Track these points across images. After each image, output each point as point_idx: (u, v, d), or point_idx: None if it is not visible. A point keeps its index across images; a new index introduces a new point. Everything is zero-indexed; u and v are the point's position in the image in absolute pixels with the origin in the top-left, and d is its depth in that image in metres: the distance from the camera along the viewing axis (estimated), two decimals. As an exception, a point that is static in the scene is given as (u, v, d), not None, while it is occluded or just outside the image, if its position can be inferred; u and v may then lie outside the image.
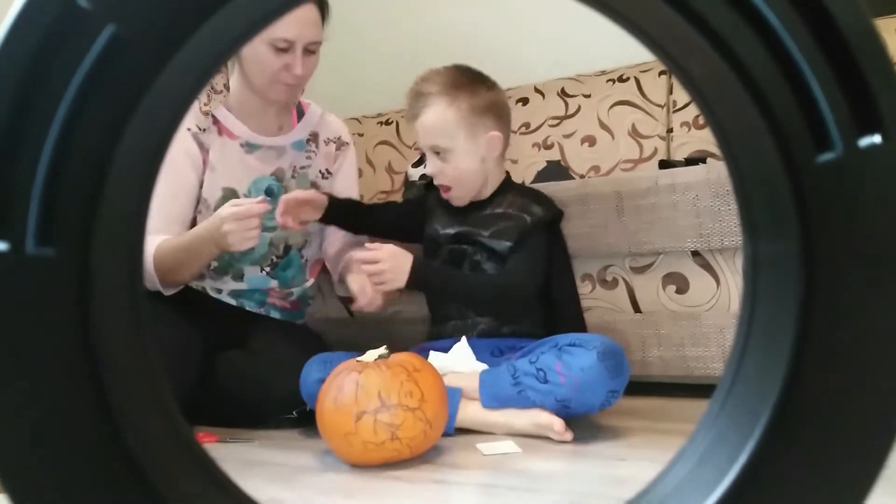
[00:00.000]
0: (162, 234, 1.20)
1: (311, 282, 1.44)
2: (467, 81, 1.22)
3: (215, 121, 1.30)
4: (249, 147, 1.33)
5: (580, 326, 1.27)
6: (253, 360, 1.21)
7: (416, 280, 1.17)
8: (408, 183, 2.08)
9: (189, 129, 1.27)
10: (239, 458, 1.00)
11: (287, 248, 1.38)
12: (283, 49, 1.19)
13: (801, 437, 0.32)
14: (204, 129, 1.29)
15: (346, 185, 1.45)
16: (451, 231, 1.28)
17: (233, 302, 1.34)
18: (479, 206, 1.28)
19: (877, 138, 0.29)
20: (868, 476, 0.31)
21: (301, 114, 1.40)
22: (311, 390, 1.07)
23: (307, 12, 1.19)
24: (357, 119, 2.41)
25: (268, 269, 1.36)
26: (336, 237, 1.43)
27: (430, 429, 0.93)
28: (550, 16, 2.18)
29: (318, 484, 0.88)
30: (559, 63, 2.15)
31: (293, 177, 1.38)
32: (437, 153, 1.24)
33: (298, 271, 1.40)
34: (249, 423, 1.19)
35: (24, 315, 0.29)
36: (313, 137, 1.41)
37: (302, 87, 1.30)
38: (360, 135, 2.35)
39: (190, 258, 1.17)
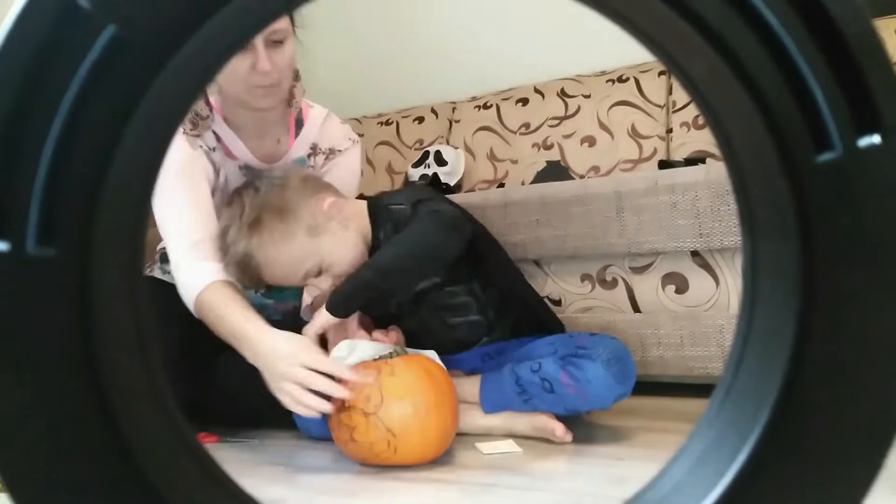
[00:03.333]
0: (205, 241, 1.09)
1: None
2: (253, 206, 1.04)
3: (219, 139, 1.19)
4: (248, 170, 1.22)
5: (546, 314, 1.23)
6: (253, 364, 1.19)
7: (338, 304, 0.99)
8: (408, 183, 2.08)
9: (202, 146, 1.17)
10: (240, 458, 1.00)
11: None
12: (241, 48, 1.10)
13: (799, 437, 0.32)
14: (213, 149, 1.19)
15: None
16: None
17: None
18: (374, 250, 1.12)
19: (876, 138, 0.29)
20: (867, 476, 0.31)
21: (300, 125, 1.26)
22: (305, 423, 1.07)
23: None
24: (357, 119, 2.41)
25: (262, 291, 1.30)
26: None
27: (394, 438, 0.87)
28: (550, 16, 2.18)
29: (318, 484, 0.88)
30: (559, 63, 2.15)
31: None
32: (316, 275, 1.07)
33: (296, 289, 1.32)
34: (250, 424, 1.19)
35: (25, 315, 0.29)
36: (314, 150, 1.27)
37: (285, 90, 1.16)
38: (361, 135, 2.35)
39: (222, 333, 1.03)
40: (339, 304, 0.99)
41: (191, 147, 1.15)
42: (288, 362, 0.91)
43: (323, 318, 0.99)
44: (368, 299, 1.01)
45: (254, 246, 1.03)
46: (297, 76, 1.16)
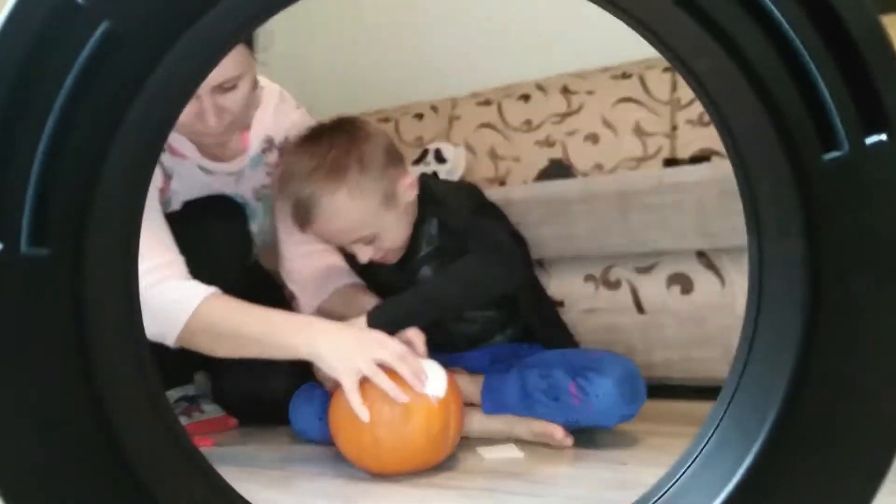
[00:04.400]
0: (177, 262, 0.97)
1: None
2: (341, 149, 0.96)
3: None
4: (204, 171, 1.10)
5: (559, 325, 1.22)
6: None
7: (380, 324, 0.95)
8: (426, 175, 2.07)
9: None
10: (235, 462, 1.00)
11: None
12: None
13: (805, 441, 0.32)
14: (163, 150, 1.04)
15: None
16: (392, 275, 1.10)
17: None
18: (411, 251, 1.08)
19: (883, 137, 0.28)
20: (872, 480, 0.31)
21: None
22: (303, 427, 1.05)
23: None
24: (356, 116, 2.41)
25: None
26: (299, 249, 1.13)
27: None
28: (553, 11, 2.18)
29: (314, 488, 0.88)
30: (562, 59, 2.14)
31: (258, 199, 1.17)
32: (365, 242, 1.02)
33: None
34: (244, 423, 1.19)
35: (19, 315, 0.29)
36: (269, 145, 1.12)
37: (242, 121, 1.04)
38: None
39: (255, 349, 0.92)
40: (384, 325, 0.95)
41: None
42: (371, 348, 0.86)
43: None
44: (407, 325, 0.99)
45: (327, 191, 0.95)
46: (255, 84, 1.01)
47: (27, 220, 0.28)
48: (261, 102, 1.10)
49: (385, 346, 0.87)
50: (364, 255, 1.03)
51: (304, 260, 1.13)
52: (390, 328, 0.94)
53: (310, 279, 1.13)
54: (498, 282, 1.03)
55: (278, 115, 1.11)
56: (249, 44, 0.95)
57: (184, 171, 1.08)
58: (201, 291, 0.94)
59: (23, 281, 0.29)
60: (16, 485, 0.29)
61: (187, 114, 0.94)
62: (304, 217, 0.98)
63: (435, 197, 1.09)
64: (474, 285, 1.02)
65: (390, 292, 1.04)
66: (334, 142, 0.98)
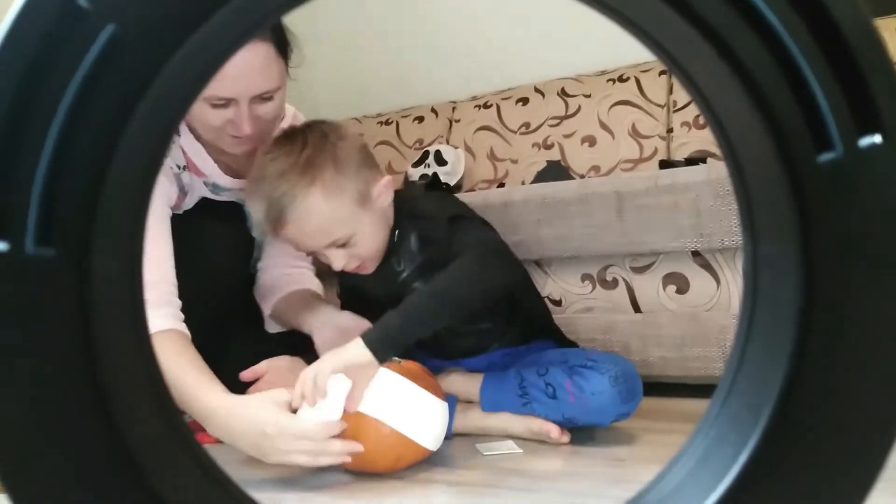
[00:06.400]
0: (156, 284, 0.94)
1: None
2: (316, 147, 0.93)
3: (186, 155, 1.07)
4: (215, 188, 1.11)
5: (549, 322, 1.21)
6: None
7: (382, 349, 0.86)
8: (408, 183, 2.08)
9: (171, 168, 1.04)
10: (238, 457, 1.00)
11: None
12: (223, 105, 0.94)
13: (800, 438, 0.32)
14: (183, 168, 1.06)
15: None
16: (381, 293, 1.05)
17: None
18: (394, 272, 1.04)
19: (877, 138, 0.29)
20: (867, 477, 0.31)
21: None
22: None
23: (250, 60, 0.90)
24: (357, 119, 2.41)
25: None
26: (274, 259, 1.14)
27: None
28: (551, 15, 2.18)
29: (317, 484, 0.88)
30: (559, 63, 2.15)
31: None
32: (340, 246, 0.96)
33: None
34: None
35: (24, 315, 0.29)
36: None
37: (266, 135, 1.03)
38: (361, 134, 2.35)
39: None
40: (387, 347, 0.86)
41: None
42: (283, 439, 0.80)
43: (349, 357, 0.85)
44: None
45: (301, 189, 0.91)
46: (284, 98, 1.04)
47: (33, 220, 0.28)
48: (284, 117, 1.11)
49: (288, 453, 0.80)
50: (338, 261, 0.96)
51: (267, 265, 1.14)
52: (392, 349, 0.87)
53: (268, 285, 1.13)
54: (497, 274, 0.95)
55: None
56: (286, 58, 0.97)
57: (196, 189, 1.10)
58: (154, 324, 0.88)
59: (28, 281, 0.29)
60: (23, 484, 0.30)
61: (219, 118, 0.95)
62: (277, 218, 0.93)
63: (412, 211, 1.04)
64: (474, 281, 0.92)
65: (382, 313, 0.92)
66: (308, 141, 0.94)
